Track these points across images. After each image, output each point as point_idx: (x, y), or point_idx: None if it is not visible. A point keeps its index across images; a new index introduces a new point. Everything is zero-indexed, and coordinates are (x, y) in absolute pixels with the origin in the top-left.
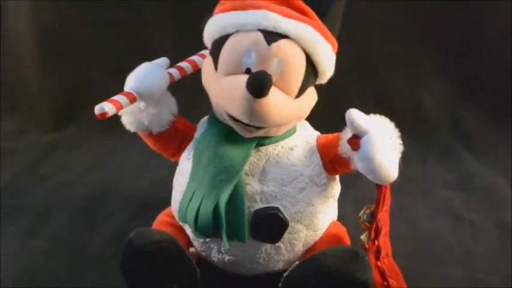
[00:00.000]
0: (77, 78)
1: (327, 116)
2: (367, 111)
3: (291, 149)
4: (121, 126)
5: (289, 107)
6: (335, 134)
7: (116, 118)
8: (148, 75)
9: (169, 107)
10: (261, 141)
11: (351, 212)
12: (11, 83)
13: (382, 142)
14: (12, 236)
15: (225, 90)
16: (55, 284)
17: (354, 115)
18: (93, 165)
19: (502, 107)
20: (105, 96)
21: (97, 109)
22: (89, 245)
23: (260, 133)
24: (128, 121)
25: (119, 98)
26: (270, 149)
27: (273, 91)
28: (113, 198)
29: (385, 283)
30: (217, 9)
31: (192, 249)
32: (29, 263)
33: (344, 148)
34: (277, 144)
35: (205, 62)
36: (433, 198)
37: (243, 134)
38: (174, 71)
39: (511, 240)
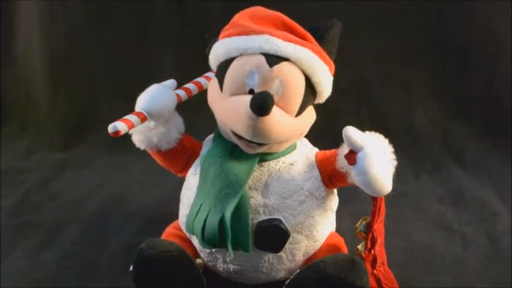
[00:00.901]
0: (85, 99)
1: (323, 135)
2: (362, 130)
3: (292, 164)
4: (126, 145)
5: (290, 124)
6: (333, 150)
7: (122, 138)
8: (158, 96)
9: (177, 125)
10: (264, 157)
11: (348, 224)
12: (21, 104)
13: (377, 157)
14: (24, 251)
15: (230, 109)
16: None
17: (351, 132)
18: (101, 182)
19: (491, 125)
20: (112, 117)
21: (110, 128)
22: (99, 258)
23: (262, 149)
24: (138, 139)
25: (130, 117)
26: (272, 165)
27: (275, 110)
28: (121, 213)
29: None
30: (222, 34)
31: (198, 260)
32: (41, 275)
33: (341, 163)
34: (278, 160)
35: (211, 83)
36: (426, 211)
37: (246, 150)
38: (181, 92)
39: (499, 250)
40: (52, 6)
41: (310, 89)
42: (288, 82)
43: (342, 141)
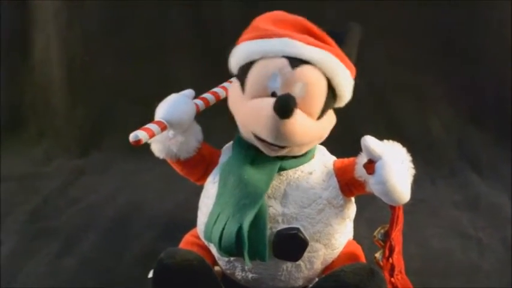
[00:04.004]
0: (102, 106)
1: (340, 142)
2: (378, 138)
3: (310, 173)
4: (142, 152)
5: (312, 127)
6: (351, 159)
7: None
8: (178, 105)
9: (196, 134)
10: (283, 166)
11: (365, 231)
12: (39, 110)
13: (395, 166)
14: (44, 256)
15: (252, 111)
16: None
17: (369, 141)
18: (118, 188)
19: (505, 130)
20: (128, 123)
21: (132, 137)
22: (118, 265)
23: (284, 152)
24: (157, 149)
25: (151, 126)
26: (290, 173)
27: (297, 113)
28: (139, 219)
29: None
30: (242, 37)
31: (216, 268)
32: (60, 282)
33: (360, 172)
34: (297, 169)
35: (232, 87)
36: (442, 217)
37: (267, 153)
38: (199, 101)
39: None
40: (69, 14)
41: (332, 92)
42: (310, 85)
43: (358, 148)
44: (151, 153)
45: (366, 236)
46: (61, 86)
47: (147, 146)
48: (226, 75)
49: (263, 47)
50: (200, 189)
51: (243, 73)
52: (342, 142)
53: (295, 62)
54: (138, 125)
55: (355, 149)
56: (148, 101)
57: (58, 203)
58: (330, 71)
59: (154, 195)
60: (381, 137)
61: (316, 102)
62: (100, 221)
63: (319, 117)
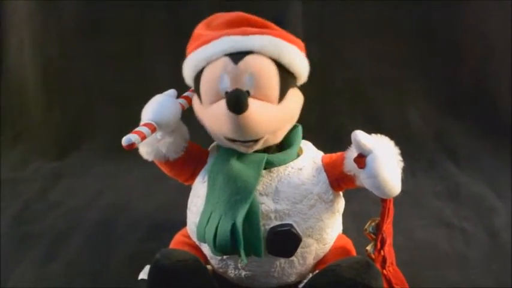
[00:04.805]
0: (79, 107)
1: (320, 135)
2: (356, 129)
3: (300, 169)
4: (121, 153)
5: (274, 112)
6: (338, 154)
7: (116, 146)
8: (165, 106)
9: (183, 134)
10: (270, 160)
11: (350, 224)
12: (14, 114)
13: (386, 160)
14: (29, 262)
15: (212, 117)
16: None
17: (360, 136)
18: (99, 190)
19: (483, 122)
20: (106, 125)
21: (124, 141)
22: (106, 268)
23: (260, 145)
24: (145, 151)
25: (142, 129)
26: (281, 170)
27: (253, 103)
28: (123, 221)
29: None
30: (188, 50)
31: (208, 267)
32: (50, 286)
33: (349, 166)
34: (287, 165)
35: (193, 100)
36: (425, 208)
37: (244, 151)
38: (182, 101)
39: (499, 244)
40: (44, 15)
41: (285, 72)
42: (257, 73)
43: (338, 140)
44: (129, 155)
45: (352, 228)
46: (36, 88)
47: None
48: None
49: (205, 53)
50: (182, 189)
51: (196, 84)
52: (322, 134)
53: (238, 56)
54: (116, 127)
55: (334, 141)
56: (127, 102)
57: (39, 207)
58: (274, 52)
59: (136, 197)
60: (359, 129)
61: (270, 87)
62: (84, 224)
63: (280, 100)
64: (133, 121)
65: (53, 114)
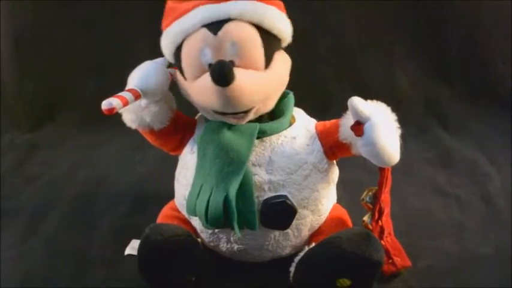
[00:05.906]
0: (53, 78)
1: (309, 102)
2: (345, 97)
3: (294, 138)
4: (98, 124)
5: (263, 80)
6: (333, 121)
7: (93, 117)
8: (152, 73)
9: (169, 103)
10: (262, 129)
11: (341, 193)
12: None
13: (384, 127)
14: (9, 239)
15: (199, 92)
16: (59, 284)
17: (357, 102)
18: (77, 163)
19: (472, 86)
20: (81, 96)
21: (104, 104)
22: (89, 244)
23: (251, 115)
24: (129, 119)
25: (125, 94)
26: (274, 139)
27: (239, 72)
28: (105, 194)
29: (390, 261)
30: (163, 25)
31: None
32: (30, 264)
33: (345, 134)
34: (280, 134)
35: (177, 76)
36: (417, 176)
37: (236, 123)
38: (173, 70)
39: (496, 211)
40: None
41: (268, 35)
42: (239, 40)
43: (326, 107)
44: (107, 126)
45: (343, 197)
46: (8, 58)
47: (101, 118)
48: None
49: (181, 26)
50: (165, 159)
51: (177, 60)
52: (310, 102)
53: (216, 25)
54: (93, 97)
55: (323, 108)
56: (103, 72)
57: (15, 181)
58: (253, 17)
59: (115, 169)
60: (346, 96)
61: (254, 53)
62: (63, 199)
63: (267, 66)
64: (110, 91)
65: (26, 84)
